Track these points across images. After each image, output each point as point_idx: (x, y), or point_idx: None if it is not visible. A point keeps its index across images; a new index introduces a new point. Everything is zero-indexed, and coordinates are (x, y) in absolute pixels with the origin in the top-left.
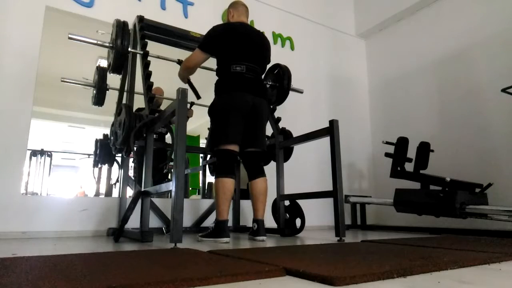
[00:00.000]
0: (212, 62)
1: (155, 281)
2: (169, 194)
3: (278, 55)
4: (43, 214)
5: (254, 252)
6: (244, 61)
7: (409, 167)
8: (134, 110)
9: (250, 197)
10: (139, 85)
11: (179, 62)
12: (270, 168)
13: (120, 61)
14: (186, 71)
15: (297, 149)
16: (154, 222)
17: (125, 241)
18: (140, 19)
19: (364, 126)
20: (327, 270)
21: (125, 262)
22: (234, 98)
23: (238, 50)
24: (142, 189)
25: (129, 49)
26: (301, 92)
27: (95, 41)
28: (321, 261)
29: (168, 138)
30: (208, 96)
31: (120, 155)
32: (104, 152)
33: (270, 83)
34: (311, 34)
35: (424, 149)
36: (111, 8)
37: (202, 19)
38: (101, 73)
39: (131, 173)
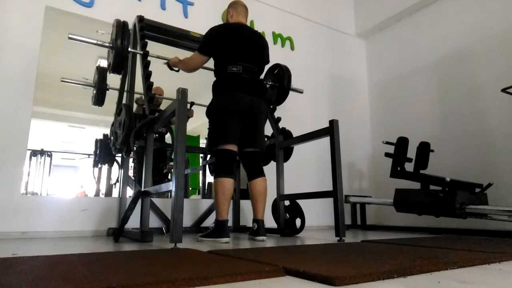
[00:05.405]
0: (212, 63)
1: (155, 281)
2: (169, 194)
3: (278, 55)
4: (43, 214)
5: (254, 252)
6: (240, 62)
7: (409, 167)
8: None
9: (250, 197)
10: (139, 85)
11: None
12: (270, 168)
13: (120, 61)
14: (184, 70)
15: (297, 149)
16: (154, 222)
17: (125, 241)
18: (140, 19)
19: (364, 126)
20: (327, 270)
21: (125, 262)
22: (231, 98)
23: (235, 50)
24: (142, 189)
25: (129, 49)
26: (301, 92)
27: (95, 41)
28: (321, 261)
29: (168, 138)
30: (207, 96)
31: (120, 155)
32: (104, 152)
33: (270, 83)
34: (311, 34)
35: (424, 149)
36: (111, 8)
37: (202, 19)
38: (101, 73)
39: (131, 173)
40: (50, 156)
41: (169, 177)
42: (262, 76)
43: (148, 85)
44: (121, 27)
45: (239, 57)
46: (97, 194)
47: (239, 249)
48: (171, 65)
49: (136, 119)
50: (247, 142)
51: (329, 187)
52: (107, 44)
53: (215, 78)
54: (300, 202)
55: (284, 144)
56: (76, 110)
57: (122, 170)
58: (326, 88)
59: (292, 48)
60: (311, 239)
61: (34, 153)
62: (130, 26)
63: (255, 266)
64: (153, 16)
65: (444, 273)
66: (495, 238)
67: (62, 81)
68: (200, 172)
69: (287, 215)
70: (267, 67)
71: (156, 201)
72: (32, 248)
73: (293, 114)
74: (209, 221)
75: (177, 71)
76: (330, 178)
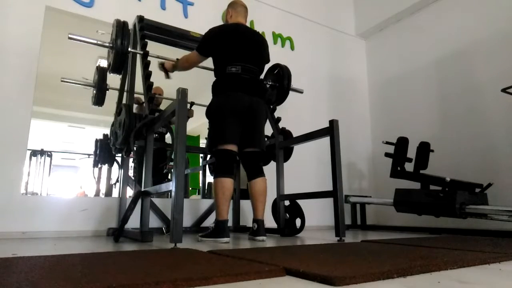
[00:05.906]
0: (211, 63)
1: (155, 281)
2: (169, 194)
3: (278, 55)
4: (43, 214)
5: (254, 252)
6: (240, 62)
7: (409, 167)
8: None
9: (250, 197)
10: (139, 85)
11: None
12: (270, 168)
13: (120, 61)
14: (181, 67)
15: (297, 149)
16: (154, 222)
17: (125, 241)
18: (140, 19)
19: (364, 126)
20: (327, 270)
21: (125, 262)
22: (230, 99)
23: (234, 51)
24: (142, 189)
25: (129, 49)
26: (301, 92)
27: (95, 41)
28: (321, 261)
29: (168, 138)
30: (207, 96)
31: (120, 155)
32: (104, 152)
33: (270, 83)
34: (311, 34)
35: (424, 149)
36: (111, 8)
37: (202, 19)
38: (101, 73)
39: (131, 173)
40: (50, 156)
41: (169, 177)
42: (262, 76)
43: (148, 85)
44: (121, 27)
45: (238, 57)
46: (97, 194)
47: (239, 249)
48: (167, 69)
49: (136, 119)
50: (247, 142)
51: (329, 187)
52: (107, 44)
53: (215, 78)
54: (300, 202)
55: (284, 144)
56: (76, 110)
57: (122, 170)
58: (326, 88)
59: (292, 48)
60: (311, 239)
61: (34, 153)
62: (130, 26)
63: (255, 266)
64: (153, 16)
65: (444, 273)
66: (495, 238)
67: (62, 81)
68: (200, 172)
69: (287, 215)
70: (267, 67)
71: (156, 201)
72: (32, 248)
73: (293, 114)
74: (209, 221)
75: (167, 72)
76: (330, 178)
